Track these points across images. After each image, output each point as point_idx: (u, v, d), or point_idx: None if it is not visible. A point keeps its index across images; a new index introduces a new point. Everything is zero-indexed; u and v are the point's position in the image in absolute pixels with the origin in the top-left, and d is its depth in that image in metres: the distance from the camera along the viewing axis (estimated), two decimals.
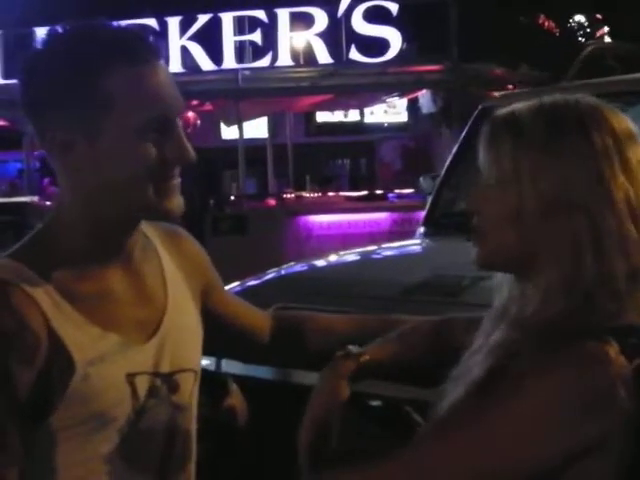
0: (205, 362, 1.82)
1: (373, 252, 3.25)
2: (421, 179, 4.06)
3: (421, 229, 3.42)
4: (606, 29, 18.72)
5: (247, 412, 1.81)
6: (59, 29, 1.43)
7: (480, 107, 3.82)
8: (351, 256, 3.17)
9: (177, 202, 1.46)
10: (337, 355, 1.57)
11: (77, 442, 1.42)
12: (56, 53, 1.41)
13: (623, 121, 1.33)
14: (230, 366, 2.03)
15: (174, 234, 1.67)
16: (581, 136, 1.29)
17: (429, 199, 3.59)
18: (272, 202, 13.32)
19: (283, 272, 2.99)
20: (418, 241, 3.37)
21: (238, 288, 2.81)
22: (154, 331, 1.51)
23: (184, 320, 1.57)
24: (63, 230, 1.47)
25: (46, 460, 1.42)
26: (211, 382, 1.70)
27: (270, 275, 2.95)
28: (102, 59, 1.38)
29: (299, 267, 3.04)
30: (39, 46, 1.42)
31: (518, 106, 1.36)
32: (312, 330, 1.80)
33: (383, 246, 3.50)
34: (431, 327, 1.66)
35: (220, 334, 1.69)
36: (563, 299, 1.27)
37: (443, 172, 3.76)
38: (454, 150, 3.87)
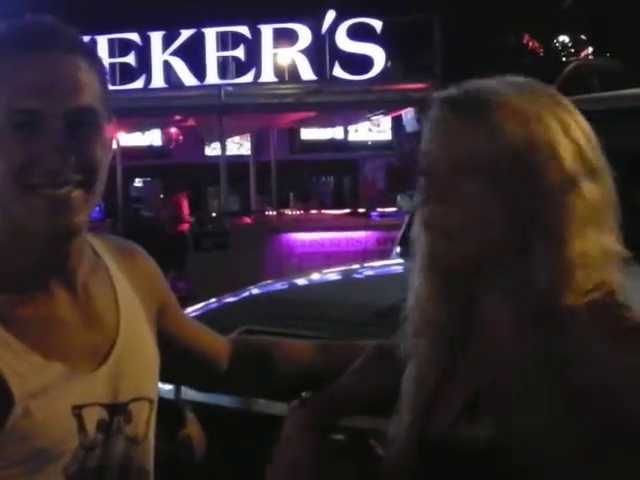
0: (162, 389, 1.71)
1: (348, 272, 3.15)
2: (399, 198, 3.96)
3: (397, 249, 3.32)
4: (590, 49, 18.81)
5: (204, 444, 1.70)
6: None
7: None
8: (325, 276, 3.07)
9: (62, 219, 1.29)
10: (292, 406, 1.49)
11: None
12: None
13: None
14: (186, 393, 1.92)
15: (128, 251, 1.54)
16: None
17: (406, 218, 3.48)
18: (254, 219, 13.27)
19: (255, 292, 2.89)
20: (394, 261, 3.27)
21: (214, 305, 2.72)
22: (104, 358, 1.38)
23: (138, 345, 1.45)
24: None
25: None
26: (165, 411, 1.58)
27: (242, 294, 2.85)
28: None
29: (271, 287, 2.95)
30: None
31: None
32: (275, 357, 1.69)
33: (358, 266, 3.40)
34: (373, 354, 1.57)
35: (174, 359, 1.57)
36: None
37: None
38: None
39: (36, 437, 1.27)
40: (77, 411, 1.32)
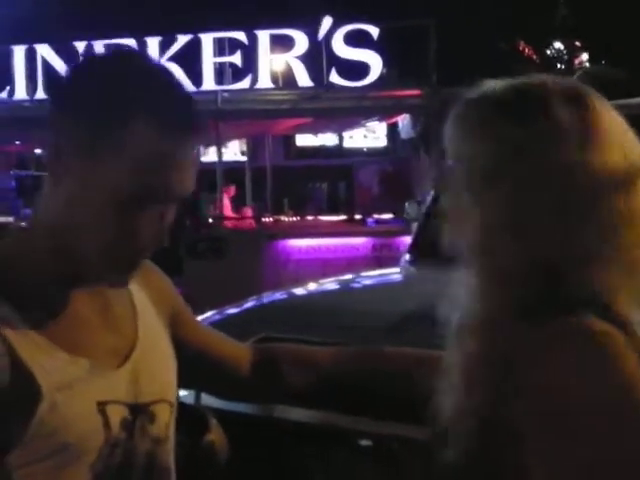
0: (183, 395, 1.73)
1: (358, 280, 3.17)
2: (406, 205, 3.98)
3: (407, 256, 3.32)
4: (585, 56, 18.90)
5: (228, 449, 1.72)
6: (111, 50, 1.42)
7: None
8: (336, 285, 3.08)
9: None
10: None
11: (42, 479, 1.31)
12: (102, 73, 1.34)
13: None
14: (209, 400, 1.94)
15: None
16: None
17: (414, 225, 3.49)
18: (250, 225, 13.27)
19: (265, 301, 2.90)
20: (404, 269, 3.28)
21: (217, 316, 2.72)
22: (125, 359, 1.42)
23: (156, 349, 1.48)
24: (30, 250, 1.37)
25: None
26: (189, 417, 1.61)
27: (251, 304, 2.85)
28: (140, 104, 1.31)
29: (281, 296, 2.95)
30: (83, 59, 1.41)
31: None
32: (293, 363, 1.72)
33: (368, 274, 3.41)
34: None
35: (195, 367, 1.60)
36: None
37: (430, 197, 3.68)
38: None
39: (63, 432, 1.30)
40: (102, 407, 1.35)
